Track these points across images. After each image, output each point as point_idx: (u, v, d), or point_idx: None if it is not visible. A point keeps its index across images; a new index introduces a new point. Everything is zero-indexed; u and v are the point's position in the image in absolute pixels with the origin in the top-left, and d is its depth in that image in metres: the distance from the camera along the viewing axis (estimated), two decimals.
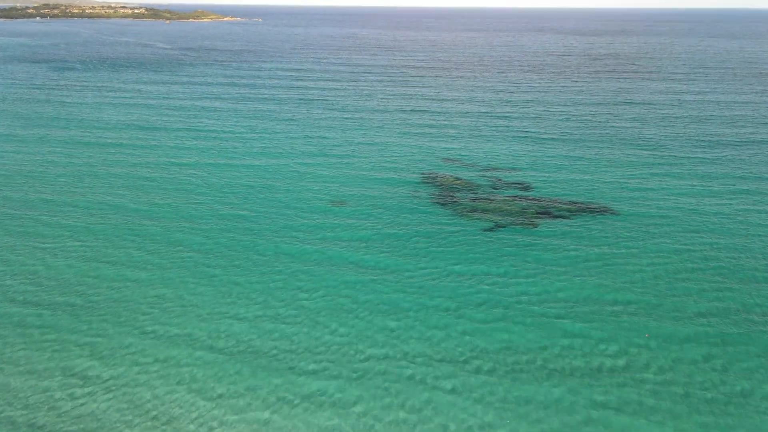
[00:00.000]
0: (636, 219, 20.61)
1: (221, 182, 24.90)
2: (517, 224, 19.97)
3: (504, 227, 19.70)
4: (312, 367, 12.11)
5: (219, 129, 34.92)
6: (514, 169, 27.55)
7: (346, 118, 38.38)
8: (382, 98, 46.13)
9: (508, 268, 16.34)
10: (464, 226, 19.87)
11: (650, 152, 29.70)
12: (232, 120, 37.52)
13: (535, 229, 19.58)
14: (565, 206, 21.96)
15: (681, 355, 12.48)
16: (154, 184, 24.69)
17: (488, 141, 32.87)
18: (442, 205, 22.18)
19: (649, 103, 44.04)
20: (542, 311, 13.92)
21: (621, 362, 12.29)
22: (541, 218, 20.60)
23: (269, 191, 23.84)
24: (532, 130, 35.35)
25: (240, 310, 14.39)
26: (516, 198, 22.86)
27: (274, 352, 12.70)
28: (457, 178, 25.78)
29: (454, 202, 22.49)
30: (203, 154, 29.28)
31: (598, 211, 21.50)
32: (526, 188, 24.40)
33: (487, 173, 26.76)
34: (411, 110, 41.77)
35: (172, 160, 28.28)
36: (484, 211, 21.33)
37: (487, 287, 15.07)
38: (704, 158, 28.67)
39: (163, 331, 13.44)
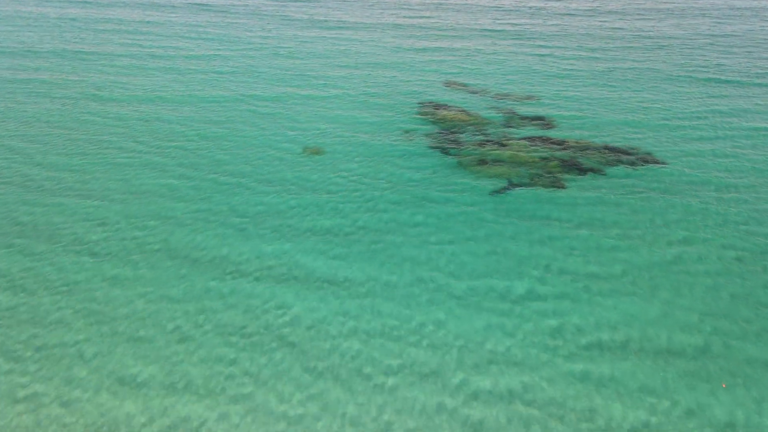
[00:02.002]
0: (691, 178, 16.08)
1: (154, 137, 19.61)
2: (537, 183, 15.56)
3: (521, 188, 15.33)
4: None
5: (170, 54, 28.86)
6: (531, 98, 22.49)
7: (330, 36, 32.17)
8: (372, 6, 39.11)
9: (524, 289, 11.51)
10: (469, 187, 15.48)
11: (701, 85, 24.28)
12: (188, 40, 31.29)
13: (562, 193, 15.20)
14: (597, 153, 17.40)
15: None
16: (61, 139, 18.88)
17: (500, 62, 27.26)
18: (443, 152, 17.62)
19: (694, 9, 37.14)
20: (587, 370, 9.83)
21: None
22: (568, 174, 16.15)
23: (222, 143, 19.04)
24: (555, 47, 29.43)
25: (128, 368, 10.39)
26: (536, 141, 18.21)
27: None
28: (463, 111, 20.92)
29: (458, 146, 17.90)
30: (141, 91, 23.76)
31: (639, 162, 16.97)
32: (548, 125, 19.64)
33: (499, 104, 21.79)
34: (408, 23, 35.21)
35: (92, 103, 22.62)
36: (496, 161, 16.83)
37: (496, 321, 10.82)
38: None
39: None
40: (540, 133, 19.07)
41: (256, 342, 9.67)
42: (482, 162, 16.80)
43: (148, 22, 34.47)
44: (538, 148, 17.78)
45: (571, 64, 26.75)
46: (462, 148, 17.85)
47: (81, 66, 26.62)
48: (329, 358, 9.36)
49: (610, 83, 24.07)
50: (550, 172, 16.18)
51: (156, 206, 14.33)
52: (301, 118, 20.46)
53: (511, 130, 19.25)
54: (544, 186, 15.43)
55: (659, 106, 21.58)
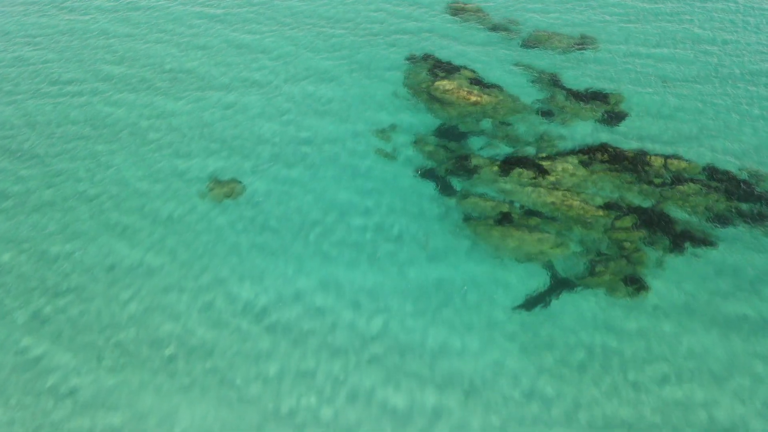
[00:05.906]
0: None
1: None
2: (599, 280, 8.88)
3: (571, 291, 8.72)
4: None
5: None
6: (586, 43, 14.36)
7: None
8: None
9: None
10: (479, 290, 8.87)
11: None
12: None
13: (642, 311, 8.57)
14: (697, 190, 10.26)
15: None
16: None
17: None
18: (441, 187, 10.53)
19: None
20: None
21: None
22: (653, 246, 9.31)
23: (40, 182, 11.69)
24: None
25: None
26: (596, 158, 10.94)
27: None
28: (477, 82, 13.10)
29: (465, 173, 10.72)
30: None
31: None
32: (614, 114, 12.12)
33: (536, 59, 13.79)
34: None
35: None
36: (530, 215, 9.88)
37: None
38: None
39: None
40: (602, 133, 11.69)
41: None
42: (504, 219, 9.90)
43: None
44: (602, 176, 10.66)
45: None
46: (472, 176, 10.75)
47: None
48: None
49: (718, 28, 15.27)
50: (621, 246, 9.40)
51: None
52: (193, 131, 12.59)
53: (556, 128, 11.79)
54: (611, 289, 8.81)
55: None
